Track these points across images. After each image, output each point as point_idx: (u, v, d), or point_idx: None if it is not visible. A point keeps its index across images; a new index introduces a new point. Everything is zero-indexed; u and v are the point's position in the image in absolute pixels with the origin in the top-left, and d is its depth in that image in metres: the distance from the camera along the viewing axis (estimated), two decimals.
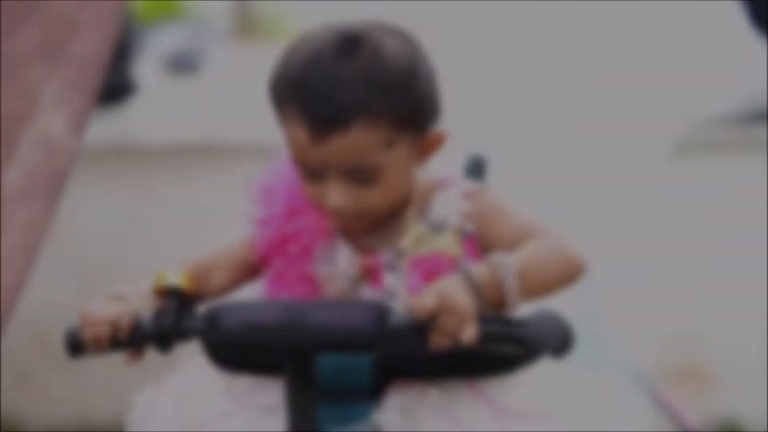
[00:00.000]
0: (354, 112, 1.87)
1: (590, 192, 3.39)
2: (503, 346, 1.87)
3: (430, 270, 1.96)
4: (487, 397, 2.02)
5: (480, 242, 1.99)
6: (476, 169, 2.62)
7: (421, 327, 1.86)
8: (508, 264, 1.90)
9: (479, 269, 1.89)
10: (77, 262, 4.27)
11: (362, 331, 1.86)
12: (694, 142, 3.96)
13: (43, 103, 2.72)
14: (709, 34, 3.83)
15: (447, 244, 1.97)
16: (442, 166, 2.31)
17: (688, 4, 3.38)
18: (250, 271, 2.06)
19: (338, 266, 2.02)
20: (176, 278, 1.92)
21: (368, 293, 2.00)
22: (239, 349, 1.90)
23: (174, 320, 1.91)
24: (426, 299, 1.85)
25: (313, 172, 1.93)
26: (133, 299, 1.97)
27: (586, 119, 3.38)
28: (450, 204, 1.99)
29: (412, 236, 1.97)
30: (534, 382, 2.07)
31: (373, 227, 2.01)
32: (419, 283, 1.95)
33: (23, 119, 2.72)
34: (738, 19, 4.23)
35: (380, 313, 1.86)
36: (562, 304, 3.02)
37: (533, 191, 3.35)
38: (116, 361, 2.06)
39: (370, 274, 2.00)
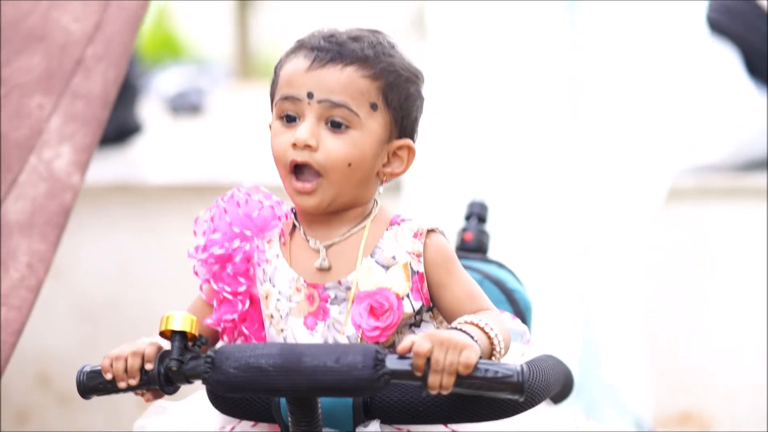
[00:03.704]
0: (358, 58, 2.00)
1: (587, 237, 3.41)
2: (501, 391, 1.87)
3: (377, 305, 2.00)
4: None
5: (427, 284, 2.04)
6: (477, 214, 2.66)
7: (417, 371, 1.87)
8: (495, 326, 1.95)
9: (468, 326, 1.94)
10: (79, 300, 4.28)
11: (356, 375, 1.87)
12: (690, 187, 4.01)
13: (48, 136, 2.72)
14: (706, 84, 3.87)
15: (394, 281, 2.02)
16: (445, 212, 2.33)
17: (685, 53, 3.43)
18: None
19: (277, 286, 2.07)
20: (180, 321, 1.95)
21: (310, 322, 2.05)
22: (237, 392, 1.93)
23: (177, 363, 1.94)
24: (420, 342, 1.87)
25: (289, 117, 2.01)
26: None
27: (585, 164, 3.40)
28: (399, 242, 2.03)
29: (360, 271, 2.02)
30: (522, 422, 2.07)
31: (324, 229, 2.04)
32: (365, 318, 2.01)
33: (26, 148, 2.72)
34: (735, 69, 4.29)
35: (375, 356, 1.88)
36: (561, 350, 3.04)
37: (531, 235, 3.37)
38: (115, 400, 2.09)
39: (312, 303, 2.04)
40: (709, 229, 4.04)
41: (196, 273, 2.10)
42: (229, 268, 2.07)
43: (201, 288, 2.11)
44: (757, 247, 3.97)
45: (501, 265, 2.48)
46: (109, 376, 1.98)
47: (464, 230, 2.62)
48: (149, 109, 6.13)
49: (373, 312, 2.01)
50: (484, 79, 3.36)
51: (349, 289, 2.03)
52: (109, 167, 4.58)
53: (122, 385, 1.97)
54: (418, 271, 2.02)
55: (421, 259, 2.02)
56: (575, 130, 3.38)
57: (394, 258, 2.03)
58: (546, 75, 3.34)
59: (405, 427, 2.04)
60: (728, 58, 4.24)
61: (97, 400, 2.07)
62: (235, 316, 2.08)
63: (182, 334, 1.95)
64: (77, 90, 2.75)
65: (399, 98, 2.02)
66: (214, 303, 2.10)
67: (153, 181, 4.45)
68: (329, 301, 2.04)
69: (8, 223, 2.65)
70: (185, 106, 6.44)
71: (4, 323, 2.58)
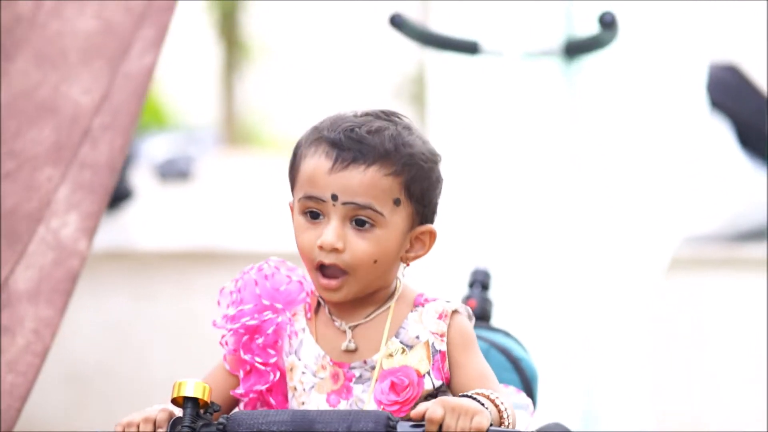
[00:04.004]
0: (379, 156, 2.02)
1: (589, 306, 3.43)
2: None
3: (398, 381, 2.04)
4: None
5: (447, 361, 2.07)
6: (481, 281, 2.68)
7: None
8: (505, 401, 2.00)
9: (480, 397, 1.98)
10: (70, 367, 4.27)
11: None
12: (685, 257, 4.04)
13: (55, 206, 2.74)
14: (700, 155, 3.92)
15: (417, 360, 2.06)
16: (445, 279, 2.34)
17: (686, 124, 3.47)
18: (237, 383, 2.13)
19: (302, 360, 2.09)
20: (192, 388, 1.96)
21: (333, 400, 2.07)
22: None
23: (189, 430, 1.95)
24: (433, 409, 1.90)
25: (313, 213, 2.03)
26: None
27: (586, 232, 3.43)
28: (424, 323, 2.07)
29: (386, 352, 2.06)
30: None
31: (349, 312, 2.07)
32: (386, 393, 2.04)
33: (35, 220, 2.74)
34: (727, 141, 4.35)
35: (387, 423, 1.90)
36: (563, 417, 3.04)
37: (534, 303, 3.39)
38: None
39: (336, 381, 2.07)
40: (704, 298, 4.07)
41: (224, 343, 2.11)
42: (260, 340, 2.09)
43: (225, 358, 2.12)
44: (752, 316, 4.00)
45: (507, 334, 2.50)
46: None
47: (468, 298, 2.64)
48: (139, 176, 6.16)
49: (393, 387, 2.04)
50: (485, 147, 3.40)
51: (373, 368, 2.06)
52: (101, 233, 4.58)
53: None
54: (440, 350, 2.06)
55: (445, 338, 2.06)
56: (576, 198, 3.41)
57: (417, 338, 2.07)
58: (546, 142, 3.38)
59: None
60: (720, 131, 4.30)
61: None
62: (265, 386, 2.09)
63: (194, 401, 1.96)
64: (84, 160, 2.77)
65: (421, 189, 2.06)
66: (240, 373, 2.11)
67: (144, 248, 4.46)
68: (353, 380, 2.07)
69: (17, 291, 2.66)
70: (174, 172, 6.49)
71: (10, 389, 2.59)
